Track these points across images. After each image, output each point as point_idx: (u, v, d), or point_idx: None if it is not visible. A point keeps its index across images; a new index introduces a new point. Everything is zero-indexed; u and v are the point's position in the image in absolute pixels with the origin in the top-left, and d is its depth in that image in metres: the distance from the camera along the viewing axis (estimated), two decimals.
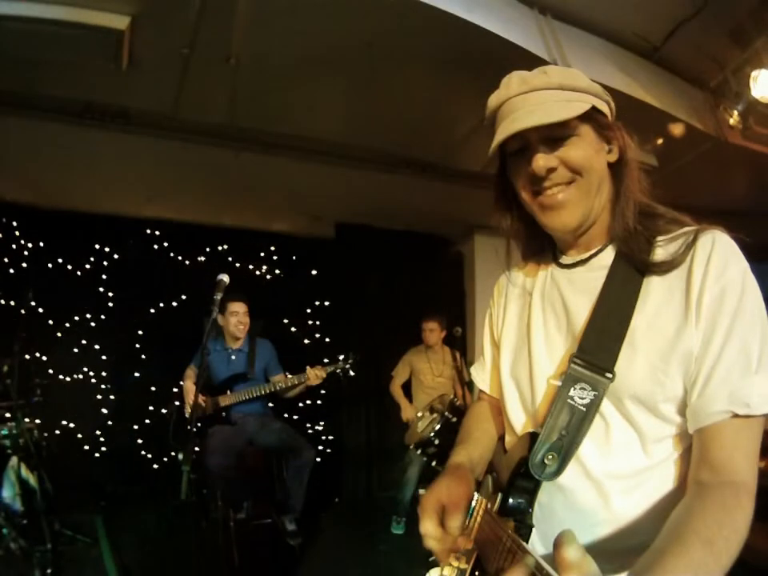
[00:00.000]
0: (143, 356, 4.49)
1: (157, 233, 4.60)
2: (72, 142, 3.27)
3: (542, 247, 0.99)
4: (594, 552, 0.54)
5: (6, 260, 4.14)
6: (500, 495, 0.85)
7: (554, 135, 0.81)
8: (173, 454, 4.10)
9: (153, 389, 4.45)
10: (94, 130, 3.15)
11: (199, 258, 4.73)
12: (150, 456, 4.41)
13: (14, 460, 3.16)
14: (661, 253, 0.80)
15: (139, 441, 4.39)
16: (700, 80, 3.25)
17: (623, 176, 0.85)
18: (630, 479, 0.80)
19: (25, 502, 3.12)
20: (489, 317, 1.10)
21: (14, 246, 4.20)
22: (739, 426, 0.71)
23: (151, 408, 4.42)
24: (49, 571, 2.71)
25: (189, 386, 3.37)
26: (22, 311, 3.49)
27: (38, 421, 3.48)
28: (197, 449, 3.85)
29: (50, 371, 4.14)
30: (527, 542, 0.78)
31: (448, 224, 4.98)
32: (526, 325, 0.95)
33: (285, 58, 2.66)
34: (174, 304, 4.61)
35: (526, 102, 0.81)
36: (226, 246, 4.83)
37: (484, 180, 3.58)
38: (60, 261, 4.30)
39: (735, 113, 3.04)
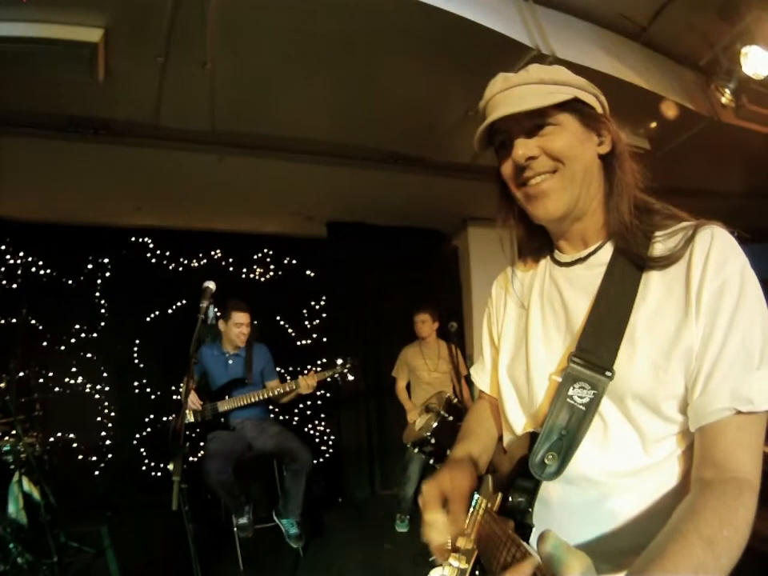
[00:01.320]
0: (141, 365, 4.49)
1: (148, 241, 4.59)
2: (56, 156, 3.26)
3: (541, 246, 0.98)
4: (594, 551, 0.56)
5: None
6: (500, 495, 0.85)
7: (534, 125, 0.82)
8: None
9: (153, 397, 4.46)
10: (78, 143, 3.12)
11: (193, 264, 4.73)
12: (153, 465, 4.42)
13: (17, 475, 3.18)
14: (659, 248, 0.80)
15: (142, 450, 4.41)
16: (690, 59, 3.17)
17: (616, 168, 0.85)
18: (630, 478, 0.80)
19: (29, 516, 3.15)
20: (487, 317, 1.09)
21: (10, 261, 4.21)
22: (742, 422, 0.70)
23: (152, 417, 4.43)
24: None
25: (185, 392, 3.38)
26: (17, 326, 3.47)
27: (39, 435, 3.49)
28: (191, 458, 3.89)
29: (50, 385, 4.16)
30: (528, 542, 0.77)
31: (440, 217, 4.93)
32: (524, 324, 0.95)
33: (263, 58, 2.62)
34: (170, 311, 4.60)
35: (506, 97, 0.83)
36: (219, 251, 4.83)
37: (474, 172, 3.60)
38: (54, 274, 4.30)
39: (727, 91, 2.95)
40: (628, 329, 0.78)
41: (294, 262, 5.04)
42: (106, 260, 4.43)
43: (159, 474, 4.39)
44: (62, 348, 4.25)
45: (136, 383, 4.45)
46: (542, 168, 0.82)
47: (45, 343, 4.17)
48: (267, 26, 2.41)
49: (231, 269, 4.84)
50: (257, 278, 4.96)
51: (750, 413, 0.70)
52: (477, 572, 0.80)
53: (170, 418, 4.04)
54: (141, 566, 3.16)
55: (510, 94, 0.83)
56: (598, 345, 0.80)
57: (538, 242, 0.98)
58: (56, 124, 2.98)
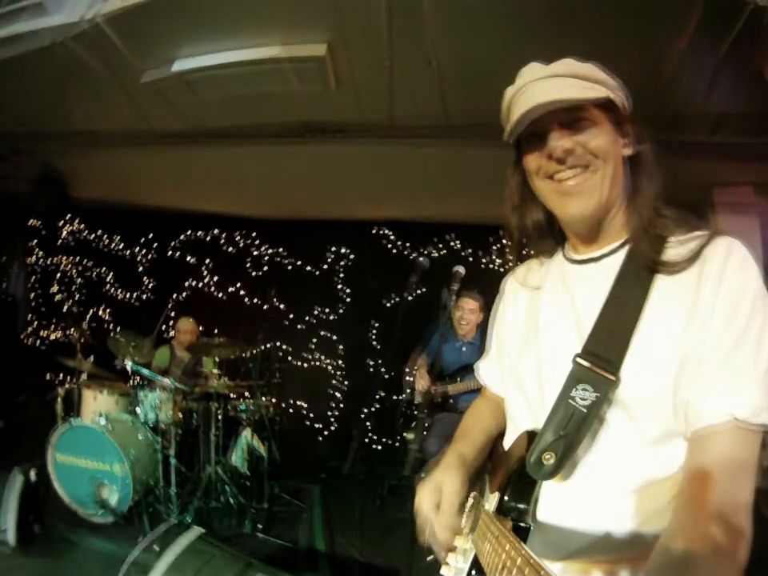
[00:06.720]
0: (378, 346, 4.74)
1: (388, 232, 4.73)
2: (294, 159, 3.55)
3: (555, 244, 0.94)
4: (590, 554, 0.70)
5: (250, 264, 4.81)
6: (498, 495, 0.83)
7: (572, 118, 0.79)
8: (397, 437, 4.31)
9: (386, 377, 4.67)
10: (315, 146, 3.32)
11: (433, 254, 4.72)
12: (373, 438, 4.68)
13: (247, 430, 3.69)
14: (672, 253, 0.77)
15: (367, 423, 4.68)
16: None
17: (640, 172, 0.83)
18: (629, 482, 0.76)
19: (251, 467, 3.63)
20: (495, 311, 1.06)
21: (255, 253, 4.85)
22: (737, 434, 0.68)
23: (382, 394, 4.66)
24: (260, 526, 3.02)
25: (420, 373, 3.47)
26: (265, 306, 3.92)
27: (274, 399, 3.97)
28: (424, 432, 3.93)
29: (288, 358, 4.71)
30: (525, 542, 0.74)
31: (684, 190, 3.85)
32: (533, 321, 0.92)
33: (484, 50, 2.39)
34: (410, 298, 4.67)
35: (542, 87, 0.79)
36: (457, 240, 4.72)
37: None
38: (298, 263, 4.81)
39: None
40: (636, 334, 0.75)
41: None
42: (347, 250, 4.74)
43: (378, 447, 4.62)
44: (302, 327, 4.74)
45: (371, 362, 4.73)
46: (578, 162, 0.78)
47: (286, 322, 4.70)
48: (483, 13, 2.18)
49: (470, 259, 4.68)
50: (495, 267, 4.70)
51: (746, 425, 0.67)
52: (473, 572, 0.80)
53: (400, 397, 4.07)
54: (340, 528, 3.25)
55: (547, 83, 0.79)
56: (605, 348, 0.77)
57: (551, 240, 0.93)
58: (293, 131, 3.23)
